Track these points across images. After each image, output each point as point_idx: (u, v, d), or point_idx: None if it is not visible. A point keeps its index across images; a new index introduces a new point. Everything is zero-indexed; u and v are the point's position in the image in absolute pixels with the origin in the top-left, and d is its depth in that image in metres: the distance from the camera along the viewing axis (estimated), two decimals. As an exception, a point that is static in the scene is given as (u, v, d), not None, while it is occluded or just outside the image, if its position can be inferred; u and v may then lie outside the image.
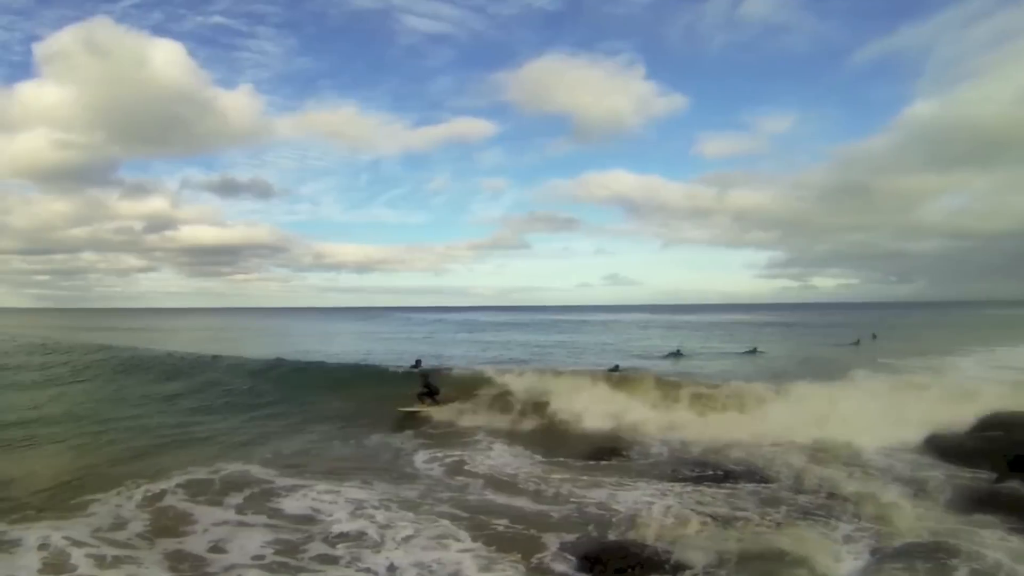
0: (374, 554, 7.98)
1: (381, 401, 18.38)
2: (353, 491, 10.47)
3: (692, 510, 9.32)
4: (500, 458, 12.95)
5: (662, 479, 11.19)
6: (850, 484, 10.39)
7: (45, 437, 14.70)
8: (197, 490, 10.65)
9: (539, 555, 7.99)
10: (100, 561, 7.83)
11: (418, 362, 20.71)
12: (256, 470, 11.88)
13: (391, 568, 7.61)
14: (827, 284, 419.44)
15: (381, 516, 9.23)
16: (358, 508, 9.62)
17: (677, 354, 34.60)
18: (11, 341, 39.67)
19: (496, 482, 11.22)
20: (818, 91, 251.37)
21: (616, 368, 24.35)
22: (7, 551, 7.95)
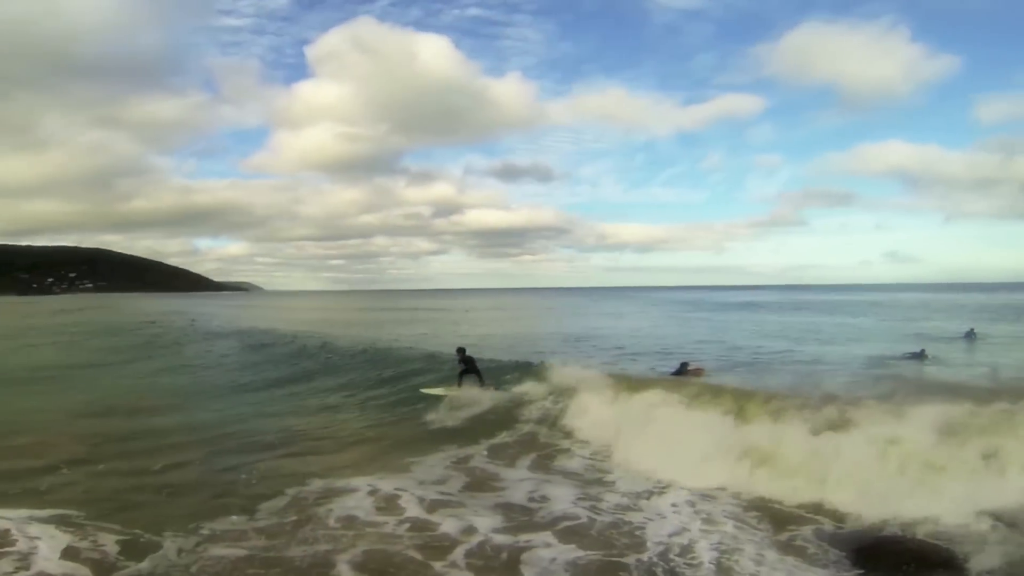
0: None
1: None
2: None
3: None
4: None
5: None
6: None
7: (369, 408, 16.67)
8: (496, 454, 11.59)
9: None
10: (428, 505, 8.61)
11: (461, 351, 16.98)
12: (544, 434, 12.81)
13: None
14: None
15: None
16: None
17: (971, 335, 29.63)
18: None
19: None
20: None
21: (921, 353, 20.94)
22: (343, 495, 9.20)
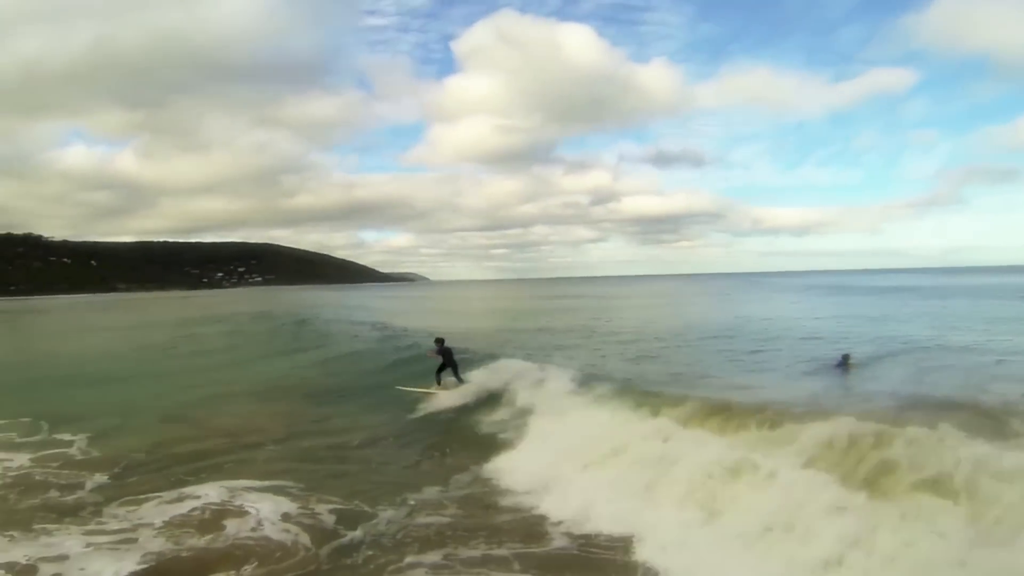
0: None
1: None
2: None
3: None
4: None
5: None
6: None
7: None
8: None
9: None
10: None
11: (440, 341, 15.70)
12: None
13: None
14: None
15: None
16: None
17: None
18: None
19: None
20: None
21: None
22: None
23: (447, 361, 15.26)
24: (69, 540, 7.76)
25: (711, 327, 28.59)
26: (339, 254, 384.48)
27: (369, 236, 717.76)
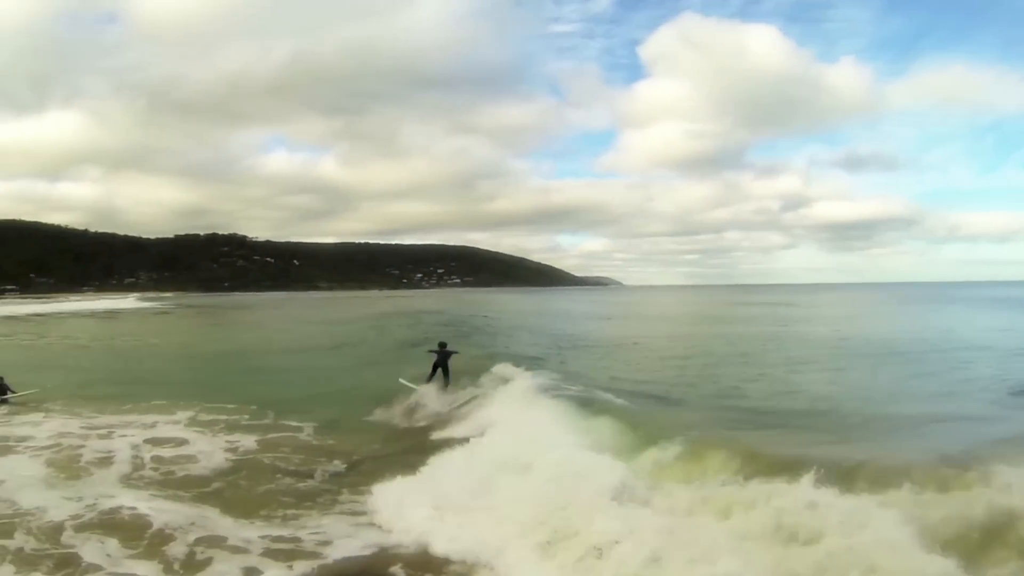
0: None
1: None
2: None
3: None
4: None
5: None
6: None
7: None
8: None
9: None
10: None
11: (442, 346, 16.90)
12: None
13: None
14: None
15: None
16: None
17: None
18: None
19: None
20: None
21: None
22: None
23: (441, 363, 16.37)
24: (320, 520, 8.56)
25: (900, 341, 27.32)
26: (535, 257, 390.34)
27: (564, 240, 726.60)
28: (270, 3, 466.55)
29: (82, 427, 13.91)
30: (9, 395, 16.88)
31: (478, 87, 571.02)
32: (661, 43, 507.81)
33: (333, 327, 47.19)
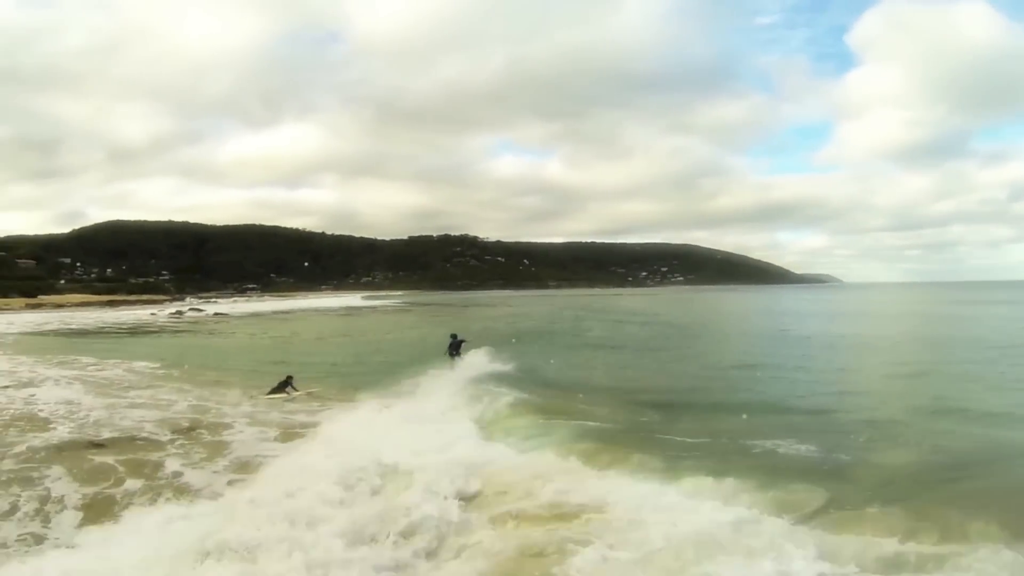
0: None
1: None
2: None
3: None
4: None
5: None
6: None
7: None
8: None
9: None
10: None
11: (453, 336, 22.05)
12: None
13: None
14: None
15: None
16: None
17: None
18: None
19: None
20: None
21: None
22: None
23: (454, 348, 21.40)
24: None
25: None
26: (756, 255, 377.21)
27: (784, 237, 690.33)
28: (480, 14, 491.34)
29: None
30: (292, 392, 17.83)
31: (691, 85, 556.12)
32: (868, 29, 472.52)
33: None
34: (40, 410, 15.26)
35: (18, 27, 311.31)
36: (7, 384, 19.45)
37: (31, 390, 18.26)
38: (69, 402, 16.30)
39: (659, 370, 22.20)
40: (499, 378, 17.55)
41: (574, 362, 23.99)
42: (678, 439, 11.37)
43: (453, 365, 20.44)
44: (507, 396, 14.96)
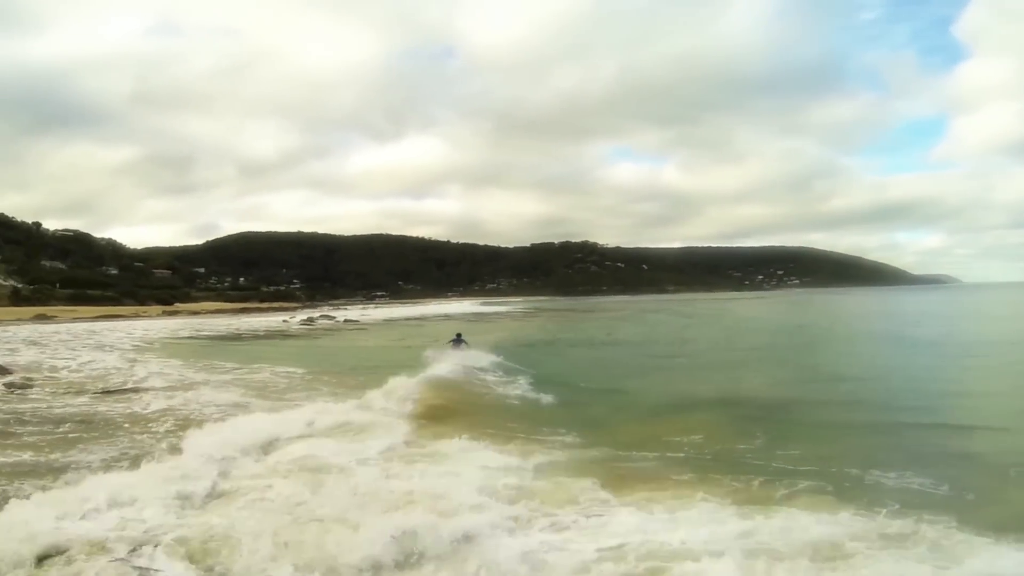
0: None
1: None
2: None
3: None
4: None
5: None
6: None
7: None
8: None
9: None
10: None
11: (458, 335, 25.12)
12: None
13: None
14: None
15: None
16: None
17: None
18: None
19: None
20: None
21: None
22: None
23: (457, 345, 24.01)
24: None
25: None
26: (872, 256, 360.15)
27: (900, 237, 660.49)
28: (590, 25, 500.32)
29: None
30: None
31: (800, 86, 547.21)
32: (975, 19, 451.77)
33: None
34: (213, 413, 15.01)
35: (148, 53, 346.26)
36: (171, 385, 19.44)
37: (192, 392, 17.87)
38: (236, 404, 15.73)
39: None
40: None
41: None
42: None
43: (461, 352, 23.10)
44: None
